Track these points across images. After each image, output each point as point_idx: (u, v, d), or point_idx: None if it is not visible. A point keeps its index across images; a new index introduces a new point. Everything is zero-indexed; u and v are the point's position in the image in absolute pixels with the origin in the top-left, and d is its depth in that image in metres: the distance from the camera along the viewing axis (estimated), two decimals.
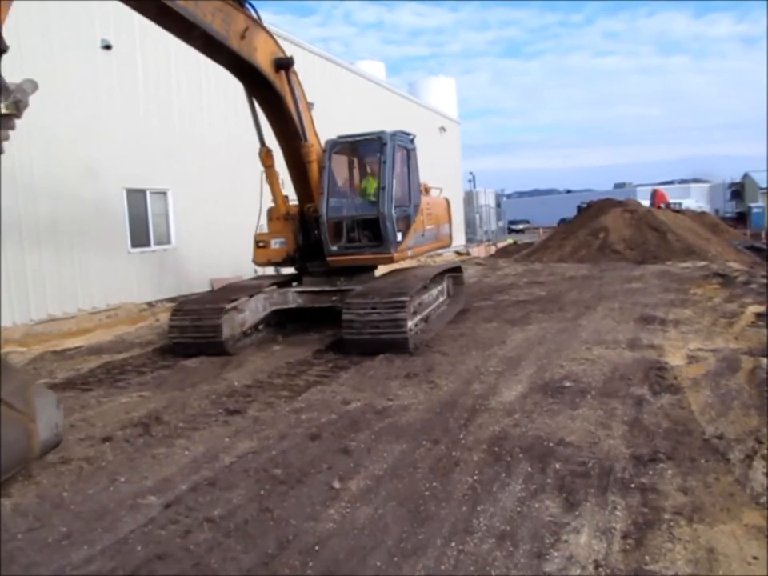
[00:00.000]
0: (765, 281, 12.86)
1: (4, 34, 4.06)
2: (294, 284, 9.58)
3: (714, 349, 7.49)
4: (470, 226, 32.36)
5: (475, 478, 4.19)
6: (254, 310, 8.79)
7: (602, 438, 4.82)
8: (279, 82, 8.02)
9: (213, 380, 7.16)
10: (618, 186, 78.95)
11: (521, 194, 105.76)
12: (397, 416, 5.50)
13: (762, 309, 9.68)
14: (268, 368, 7.62)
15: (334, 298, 9.05)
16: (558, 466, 4.31)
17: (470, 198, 33.15)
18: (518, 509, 3.74)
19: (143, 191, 12.85)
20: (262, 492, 4.14)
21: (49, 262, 10.90)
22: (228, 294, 8.72)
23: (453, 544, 3.39)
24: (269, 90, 7.96)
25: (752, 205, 43.98)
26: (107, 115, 12.03)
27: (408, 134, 9.32)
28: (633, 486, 3.98)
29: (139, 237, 12.81)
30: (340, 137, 9.08)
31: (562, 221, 58.49)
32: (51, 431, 4.27)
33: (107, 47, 11.97)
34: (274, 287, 9.26)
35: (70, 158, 11.19)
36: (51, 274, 10.97)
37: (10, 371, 3.04)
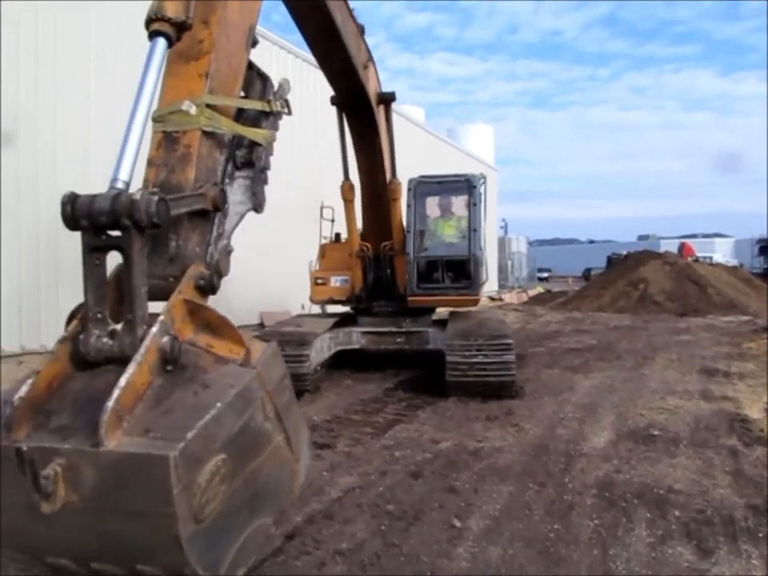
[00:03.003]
0: None
1: None
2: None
3: None
4: (501, 272, 32.52)
5: (596, 521, 4.19)
6: (319, 349, 8.71)
7: (710, 487, 4.80)
8: (379, 115, 8.20)
9: None
10: (642, 237, 79.05)
11: (541, 243, 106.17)
12: (492, 458, 5.51)
13: None
14: (342, 404, 7.66)
15: (399, 340, 9.10)
16: (677, 512, 4.30)
17: (502, 245, 33.39)
18: (652, 554, 3.73)
19: None
20: (383, 527, 4.16)
21: None
22: (300, 328, 8.67)
23: None
24: (368, 123, 8.04)
25: None
26: None
27: (481, 178, 9.48)
28: (761, 535, 3.96)
29: None
30: (423, 176, 9.26)
31: (587, 270, 58.64)
32: (305, 472, 3.44)
33: None
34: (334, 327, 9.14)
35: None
36: None
37: (293, 404, 2.67)
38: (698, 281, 20.69)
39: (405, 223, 9.08)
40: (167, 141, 2.71)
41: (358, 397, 8.00)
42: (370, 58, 7.45)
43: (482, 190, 9.11)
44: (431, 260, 8.93)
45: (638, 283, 21.16)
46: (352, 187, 9.14)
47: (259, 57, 3.67)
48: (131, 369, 1.95)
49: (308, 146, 16.50)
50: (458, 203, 9.33)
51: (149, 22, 2.65)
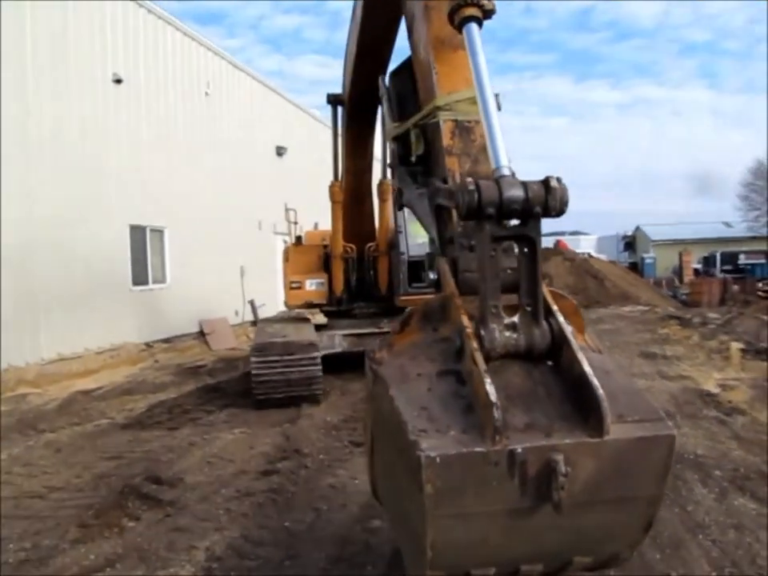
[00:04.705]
0: (718, 322, 14.50)
1: None
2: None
3: (736, 378, 8.58)
4: None
5: None
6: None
7: (725, 450, 5.58)
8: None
9: (300, 418, 7.26)
10: None
11: None
12: None
13: (741, 344, 11.01)
14: (343, 405, 7.83)
15: (380, 341, 9.30)
16: (717, 472, 5.00)
17: None
18: (723, 507, 4.37)
19: (143, 228, 12.66)
20: None
21: (59, 298, 10.51)
22: (296, 335, 8.40)
23: (700, 537, 3.94)
24: (370, 122, 7.75)
25: (644, 255, 48.13)
26: (113, 146, 11.92)
27: None
28: None
29: (139, 275, 12.56)
30: None
31: None
32: None
33: (118, 81, 11.91)
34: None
35: (78, 192, 10.94)
36: (60, 310, 10.55)
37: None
38: (596, 275, 22.61)
39: (393, 224, 9.25)
40: (460, 130, 2.65)
41: (357, 396, 8.18)
42: None
43: None
44: (420, 259, 9.19)
45: (543, 278, 22.62)
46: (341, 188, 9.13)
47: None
48: (583, 358, 1.89)
49: (240, 155, 16.25)
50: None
51: (459, 7, 2.55)
